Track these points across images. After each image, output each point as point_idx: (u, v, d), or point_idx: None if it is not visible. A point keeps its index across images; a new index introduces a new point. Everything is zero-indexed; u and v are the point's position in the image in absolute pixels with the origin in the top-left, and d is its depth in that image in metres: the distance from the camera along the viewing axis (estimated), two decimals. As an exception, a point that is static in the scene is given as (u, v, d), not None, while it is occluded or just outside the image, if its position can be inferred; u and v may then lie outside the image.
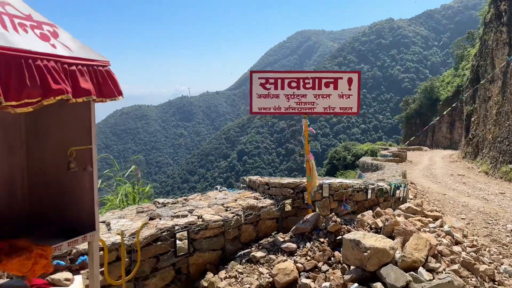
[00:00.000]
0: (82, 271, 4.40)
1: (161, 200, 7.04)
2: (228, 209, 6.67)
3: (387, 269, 4.52)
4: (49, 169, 3.34)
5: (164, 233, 5.51)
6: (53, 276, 3.31)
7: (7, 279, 3.29)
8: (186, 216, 6.13)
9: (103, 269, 3.78)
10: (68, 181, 3.25)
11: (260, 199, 7.26)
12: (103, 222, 5.39)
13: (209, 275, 5.71)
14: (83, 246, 4.45)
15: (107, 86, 2.94)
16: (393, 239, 5.20)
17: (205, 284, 5.54)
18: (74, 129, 3.21)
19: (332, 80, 6.44)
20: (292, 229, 6.40)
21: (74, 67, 2.68)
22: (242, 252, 6.35)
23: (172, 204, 6.90)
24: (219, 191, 8.04)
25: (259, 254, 5.97)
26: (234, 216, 6.44)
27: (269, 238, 6.59)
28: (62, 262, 4.24)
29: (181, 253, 5.62)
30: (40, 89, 2.41)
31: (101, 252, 3.94)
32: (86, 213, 3.20)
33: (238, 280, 5.67)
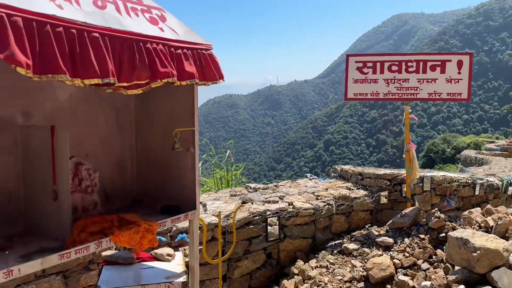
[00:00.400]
0: (180, 248, 4.63)
1: (252, 185, 7.14)
2: (319, 197, 6.53)
3: (499, 273, 4.02)
4: (155, 149, 3.51)
5: (256, 217, 5.57)
6: (156, 251, 3.50)
7: (116, 251, 3.54)
8: (277, 202, 6.14)
9: (201, 247, 3.92)
10: (172, 161, 3.38)
11: (352, 189, 6.99)
12: (200, 203, 5.60)
13: (300, 262, 5.65)
14: (183, 224, 4.66)
15: (209, 69, 2.97)
16: (507, 240, 4.62)
17: (296, 271, 5.50)
18: (178, 112, 3.32)
19: (439, 63, 5.88)
20: (388, 223, 6.04)
21: (179, 51, 2.73)
22: (333, 243, 6.18)
23: (263, 189, 6.97)
24: (309, 179, 7.92)
25: (351, 246, 5.75)
26: (325, 205, 6.28)
27: (362, 231, 6.31)
28: (163, 238, 4.50)
29: (272, 238, 5.64)
30: (148, 71, 2.49)
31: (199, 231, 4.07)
32: (188, 192, 3.31)
33: (330, 271, 5.53)
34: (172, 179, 3.40)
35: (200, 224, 3.68)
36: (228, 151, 8.88)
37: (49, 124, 2.71)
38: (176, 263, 3.43)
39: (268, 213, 5.72)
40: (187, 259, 3.75)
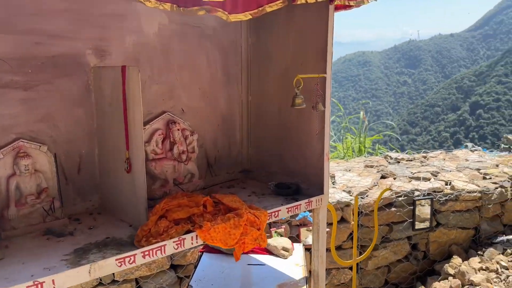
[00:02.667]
0: (302, 228, 3.71)
1: (394, 155, 5.79)
2: (487, 177, 4.90)
3: None
4: (271, 106, 2.56)
5: (400, 198, 4.33)
6: (269, 241, 2.60)
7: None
8: (428, 179, 4.75)
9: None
10: (292, 122, 2.40)
11: (538, 168, 5.12)
12: (328, 175, 4.54)
13: (456, 259, 4.30)
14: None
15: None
16: None
17: (451, 271, 4.18)
18: (303, 51, 2.28)
19: None
20: None
21: None
22: (504, 238, 4.61)
23: (407, 161, 5.58)
24: (470, 150, 6.18)
25: (539, 248, 4.11)
26: (497, 188, 4.66)
27: (552, 226, 4.55)
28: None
29: (422, 226, 4.36)
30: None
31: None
32: (313, 168, 2.31)
33: (502, 278, 4.06)
34: (292, 147, 2.43)
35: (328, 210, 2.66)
36: (362, 112, 7.54)
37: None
38: (294, 262, 2.50)
39: (416, 193, 4.41)
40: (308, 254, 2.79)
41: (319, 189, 2.31)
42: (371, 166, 5.25)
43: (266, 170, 2.66)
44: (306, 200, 2.21)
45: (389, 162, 5.52)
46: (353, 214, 3.97)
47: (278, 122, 2.53)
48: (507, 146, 6.08)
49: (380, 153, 7.13)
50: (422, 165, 5.33)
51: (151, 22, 2.25)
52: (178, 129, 2.33)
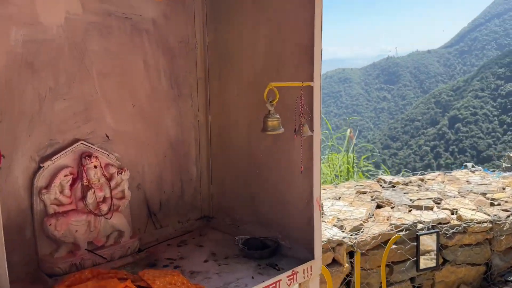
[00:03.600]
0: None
1: (387, 178, 5.11)
2: (496, 202, 4.25)
3: None
4: (237, 128, 1.83)
5: (401, 233, 3.61)
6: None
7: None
8: (431, 208, 4.05)
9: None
10: (266, 152, 1.66)
11: (551, 191, 4.51)
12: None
13: (467, 304, 3.59)
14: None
15: None
16: None
17: (463, 320, 3.46)
18: (278, 51, 1.56)
19: None
20: None
21: None
22: (521, 275, 3.92)
23: (403, 185, 4.90)
24: (470, 171, 5.55)
25: None
26: (508, 216, 4.00)
27: None
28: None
29: (427, 266, 3.64)
30: None
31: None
32: (296, 218, 1.57)
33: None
34: (267, 187, 1.69)
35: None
36: (349, 130, 6.90)
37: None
38: None
39: (419, 226, 3.70)
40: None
41: (306, 250, 1.56)
42: (364, 193, 4.54)
43: (232, 216, 1.91)
44: (289, 272, 1.46)
45: (383, 187, 4.83)
46: (349, 258, 3.25)
47: (248, 152, 1.80)
48: (509, 166, 5.49)
49: (368, 174, 6.47)
50: (421, 190, 4.66)
51: (53, 9, 1.50)
52: (95, 166, 1.56)
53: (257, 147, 1.74)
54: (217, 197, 2.02)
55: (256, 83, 1.68)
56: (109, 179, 1.64)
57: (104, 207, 1.59)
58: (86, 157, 1.56)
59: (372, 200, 4.30)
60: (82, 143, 1.60)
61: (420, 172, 5.47)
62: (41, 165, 1.50)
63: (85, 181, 1.56)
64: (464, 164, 5.65)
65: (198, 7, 1.91)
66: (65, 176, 1.53)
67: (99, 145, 1.67)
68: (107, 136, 1.70)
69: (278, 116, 1.34)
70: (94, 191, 1.56)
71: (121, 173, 1.66)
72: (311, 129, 1.46)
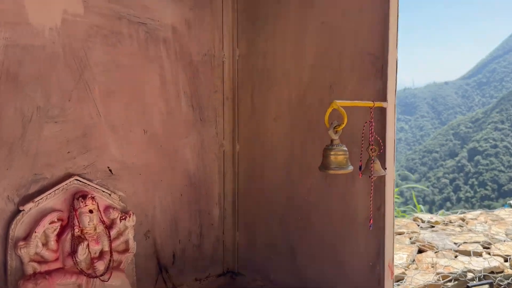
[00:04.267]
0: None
1: (425, 217, 4.62)
2: (553, 248, 3.70)
3: None
4: (273, 162, 1.45)
5: (449, 284, 3.11)
6: None
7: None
8: (480, 254, 3.54)
9: None
10: (314, 194, 1.26)
11: None
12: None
13: None
14: None
15: None
16: None
17: None
18: (333, 62, 1.19)
19: None
20: None
21: None
22: None
23: (444, 225, 4.40)
24: (516, 210, 5.01)
25: None
26: None
27: None
28: None
29: (481, 325, 3.10)
30: None
31: None
32: (357, 284, 1.15)
33: None
34: (313, 242, 1.28)
35: None
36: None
37: None
38: None
39: (469, 275, 3.19)
40: None
41: (371, 332, 1.13)
42: (401, 233, 4.05)
43: (264, 275, 1.50)
44: None
45: (420, 227, 4.33)
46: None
47: (287, 192, 1.40)
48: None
49: (399, 210, 5.96)
50: (464, 232, 4.14)
51: (47, 7, 1.17)
52: (91, 210, 1.18)
53: (300, 186, 1.35)
54: (245, 248, 1.61)
55: (300, 103, 1.31)
56: (109, 227, 1.26)
57: (101, 266, 1.19)
58: (80, 199, 1.18)
59: (412, 242, 3.81)
60: (76, 179, 1.23)
61: (460, 211, 4.96)
62: (21, 208, 1.13)
63: (76, 230, 1.18)
64: (508, 202, 5.12)
65: (228, 13, 1.58)
66: (51, 223, 1.16)
67: (99, 181, 1.30)
68: (110, 170, 1.33)
69: (345, 149, 0.96)
70: (88, 244, 1.17)
71: (125, 219, 1.28)
72: (383, 166, 1.06)
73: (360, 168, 1.06)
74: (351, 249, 1.20)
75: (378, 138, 1.05)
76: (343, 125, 0.94)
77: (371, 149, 1.04)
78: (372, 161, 1.02)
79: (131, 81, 1.36)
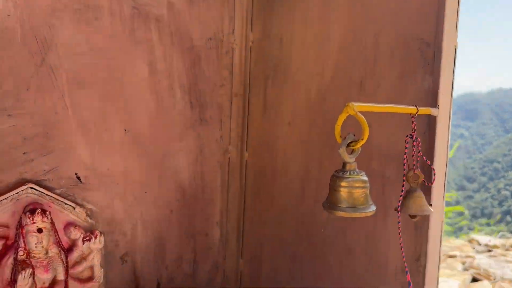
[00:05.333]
0: None
1: (482, 239, 4.06)
2: None
3: None
4: (288, 174, 1.13)
5: (510, 325, 2.62)
6: None
7: None
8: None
9: None
10: (330, 225, 0.93)
11: None
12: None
13: None
14: None
15: None
16: None
17: None
18: (367, 49, 0.85)
19: None
20: None
21: None
22: None
23: (505, 250, 3.83)
24: None
25: None
26: None
27: None
28: None
29: None
30: None
31: None
32: None
33: None
34: (330, 282, 0.94)
35: None
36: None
37: None
38: None
39: (536, 317, 2.68)
40: None
41: None
42: (452, 257, 3.55)
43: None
44: None
45: (476, 250, 3.79)
46: None
47: (301, 220, 1.08)
48: None
49: (452, 228, 5.39)
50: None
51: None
52: (40, 229, 0.93)
53: (317, 213, 1.02)
54: (250, 280, 1.31)
55: (321, 103, 0.99)
56: (68, 249, 1.00)
57: (48, 300, 0.94)
58: (27, 213, 0.94)
59: (465, 269, 3.32)
60: (31, 187, 0.99)
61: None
62: (-49, 221, 0.91)
63: (21, 253, 0.93)
64: None
65: (240, -11, 1.27)
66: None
67: (63, 190, 1.05)
68: (78, 178, 1.07)
69: (365, 179, 0.62)
70: (33, 272, 0.92)
71: (89, 240, 1.02)
72: (428, 201, 0.71)
73: (398, 208, 0.72)
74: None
75: (427, 160, 0.70)
76: (363, 142, 0.60)
77: (413, 176, 0.69)
78: (413, 191, 0.67)
79: (110, 69, 1.10)
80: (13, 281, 0.91)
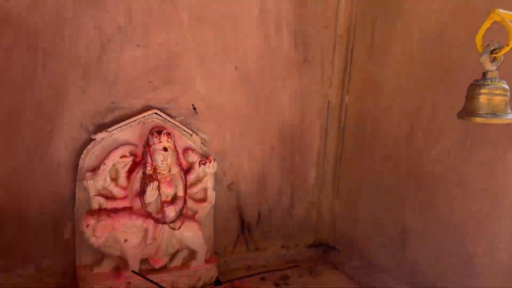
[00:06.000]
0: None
1: None
2: None
3: None
4: (391, 119, 1.13)
5: None
6: None
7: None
8: None
9: None
10: (438, 165, 0.93)
11: None
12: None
13: None
14: None
15: None
16: None
17: None
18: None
19: None
20: None
21: None
22: None
23: None
24: None
25: None
26: None
27: None
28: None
29: None
30: None
31: None
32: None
33: None
34: (436, 228, 0.95)
35: None
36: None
37: None
38: None
39: None
40: None
41: None
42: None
43: (364, 256, 1.22)
44: None
45: None
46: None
47: (406, 161, 1.09)
48: None
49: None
50: None
51: None
52: (165, 148, 1.04)
53: (424, 152, 1.02)
54: (344, 220, 1.35)
55: (438, 40, 0.96)
56: (186, 170, 1.11)
57: (171, 211, 1.06)
58: (155, 134, 1.04)
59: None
60: (156, 113, 1.09)
61: None
62: (93, 137, 1.04)
63: (148, 168, 1.05)
64: None
65: None
66: (122, 157, 1.04)
67: (182, 119, 1.15)
68: (194, 109, 1.17)
69: (506, 87, 0.61)
70: (159, 185, 1.04)
71: (205, 164, 1.12)
72: None
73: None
74: (489, 241, 0.85)
75: None
76: (508, 48, 0.59)
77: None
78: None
79: (224, 8, 1.16)
80: (142, 191, 1.03)
